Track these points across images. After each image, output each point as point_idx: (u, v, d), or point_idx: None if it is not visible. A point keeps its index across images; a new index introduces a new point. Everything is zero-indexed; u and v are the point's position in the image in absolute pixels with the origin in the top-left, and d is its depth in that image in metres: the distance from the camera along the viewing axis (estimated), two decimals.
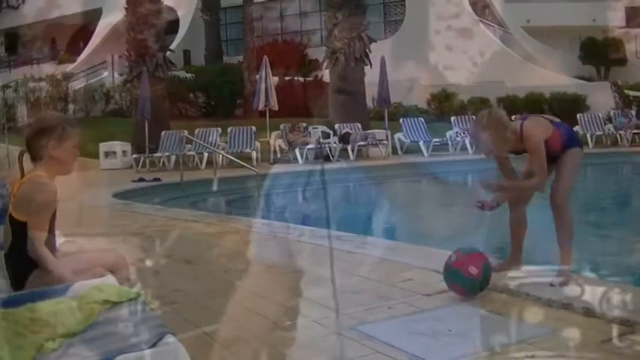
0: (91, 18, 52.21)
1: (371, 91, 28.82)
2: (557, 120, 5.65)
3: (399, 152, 26.30)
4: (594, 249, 9.25)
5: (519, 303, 4.78)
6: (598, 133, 26.96)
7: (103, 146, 26.20)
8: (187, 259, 7.23)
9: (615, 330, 4.14)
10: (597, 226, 11.61)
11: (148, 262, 7.03)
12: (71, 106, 37.21)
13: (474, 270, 4.89)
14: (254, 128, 24.70)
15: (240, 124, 26.80)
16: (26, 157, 3.88)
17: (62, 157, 3.81)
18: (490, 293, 5.06)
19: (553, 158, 5.31)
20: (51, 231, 3.80)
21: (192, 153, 23.78)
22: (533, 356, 3.82)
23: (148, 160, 24.59)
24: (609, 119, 28.10)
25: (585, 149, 19.44)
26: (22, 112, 34.90)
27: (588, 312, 4.41)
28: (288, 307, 5.00)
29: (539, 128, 5.37)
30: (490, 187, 5.53)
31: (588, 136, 26.47)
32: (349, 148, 24.61)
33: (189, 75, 38.66)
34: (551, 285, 5.03)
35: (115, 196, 14.87)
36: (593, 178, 22.00)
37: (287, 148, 24.27)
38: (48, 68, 42.06)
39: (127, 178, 19.58)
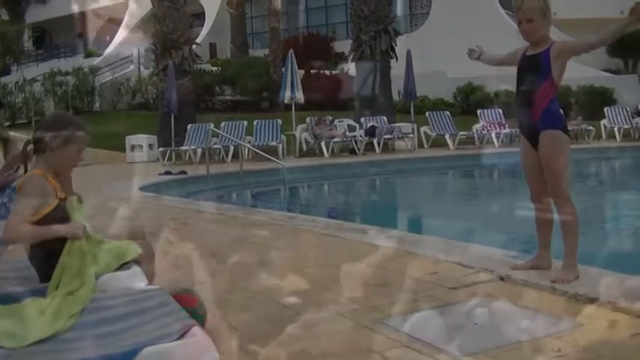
0: (118, 11, 52.43)
1: (397, 85, 28.77)
2: None
3: (425, 145, 26.28)
4: (620, 243, 9.20)
5: (546, 297, 4.76)
6: (626, 126, 26.84)
7: (130, 139, 26.37)
8: (212, 252, 7.25)
9: None
10: (624, 220, 11.55)
11: (174, 255, 7.05)
12: (97, 100, 37.46)
13: None
14: (280, 121, 24.77)
15: (266, 117, 26.85)
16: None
17: (63, 158, 3.80)
18: (516, 287, 5.05)
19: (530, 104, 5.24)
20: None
21: (219, 146, 23.86)
22: (559, 350, 3.80)
23: (174, 153, 24.71)
24: (637, 113, 27.90)
25: (613, 143, 19.41)
26: (49, 106, 35.18)
27: (616, 306, 4.38)
28: (312, 299, 5.01)
29: None
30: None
31: (616, 129, 26.41)
32: (375, 141, 24.62)
33: (215, 68, 38.74)
34: (552, 282, 4.98)
35: (142, 189, 14.93)
36: (621, 172, 21.90)
37: (313, 141, 24.30)
38: (74, 62, 42.32)
39: (154, 171, 19.67)
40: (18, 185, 3.77)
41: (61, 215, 3.76)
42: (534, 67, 5.20)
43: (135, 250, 3.99)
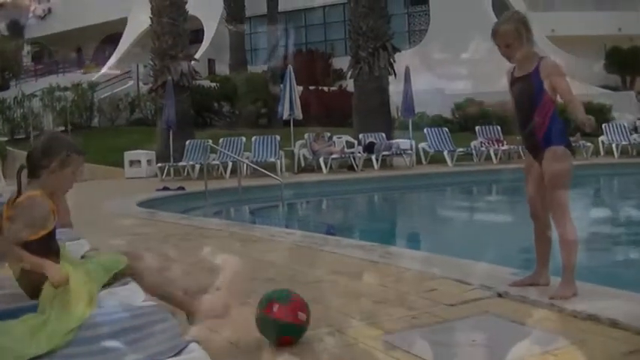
0: (117, 28, 52.54)
1: (395, 101, 28.79)
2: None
3: (423, 162, 26.28)
4: (619, 261, 9.20)
5: (544, 313, 4.76)
6: (624, 142, 26.87)
7: (128, 155, 26.40)
8: (211, 268, 7.24)
9: None
10: (623, 237, 11.54)
11: (171, 270, 7.04)
12: (96, 115, 37.48)
13: (302, 316, 4.42)
14: (278, 137, 24.79)
15: (264, 133, 26.86)
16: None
17: (59, 181, 3.79)
18: (514, 304, 5.04)
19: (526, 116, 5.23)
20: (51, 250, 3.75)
21: (217, 162, 23.87)
22: None
23: (172, 169, 24.72)
24: (635, 129, 27.95)
25: (611, 159, 19.40)
26: (47, 121, 35.20)
27: (614, 323, 4.37)
28: (312, 316, 5.00)
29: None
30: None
31: (614, 146, 26.43)
32: (373, 157, 24.63)
33: (213, 84, 38.79)
34: (550, 298, 4.96)
35: (140, 204, 14.92)
36: (619, 188, 21.90)
37: (311, 157, 24.30)
38: (73, 77, 42.36)
39: (152, 187, 19.66)
40: (16, 203, 3.73)
41: (53, 241, 3.75)
42: (527, 88, 5.19)
43: (122, 261, 3.97)
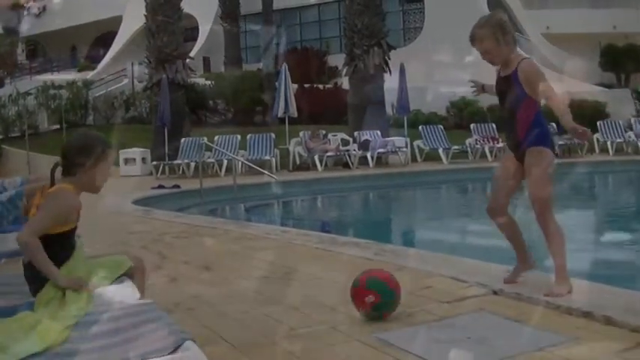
0: (111, 26, 52.48)
1: (390, 99, 28.78)
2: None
3: (418, 159, 26.29)
4: (614, 257, 9.21)
5: (539, 310, 4.76)
6: (619, 140, 26.92)
7: (123, 153, 26.38)
8: (206, 266, 7.24)
9: (637, 338, 4.11)
10: (618, 234, 11.55)
11: (166, 269, 7.04)
12: (91, 113, 37.41)
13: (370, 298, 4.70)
14: (273, 135, 24.79)
15: (259, 131, 26.86)
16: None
17: (96, 177, 3.80)
18: (510, 301, 5.04)
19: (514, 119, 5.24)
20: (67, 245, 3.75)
21: (212, 160, 23.86)
22: None
23: (167, 167, 24.70)
24: (630, 127, 27.98)
25: (606, 157, 19.39)
26: (42, 119, 35.14)
27: (609, 320, 4.37)
28: (306, 313, 5.00)
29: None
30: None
31: (609, 143, 26.47)
32: (368, 155, 24.64)
33: (208, 82, 38.74)
34: (545, 295, 4.96)
35: (135, 202, 14.91)
36: (614, 186, 21.93)
37: (306, 155, 24.31)
38: (68, 75, 42.27)
39: (147, 185, 19.64)
40: (48, 193, 3.72)
41: (72, 238, 3.75)
42: (510, 89, 5.21)
43: (127, 262, 3.98)
